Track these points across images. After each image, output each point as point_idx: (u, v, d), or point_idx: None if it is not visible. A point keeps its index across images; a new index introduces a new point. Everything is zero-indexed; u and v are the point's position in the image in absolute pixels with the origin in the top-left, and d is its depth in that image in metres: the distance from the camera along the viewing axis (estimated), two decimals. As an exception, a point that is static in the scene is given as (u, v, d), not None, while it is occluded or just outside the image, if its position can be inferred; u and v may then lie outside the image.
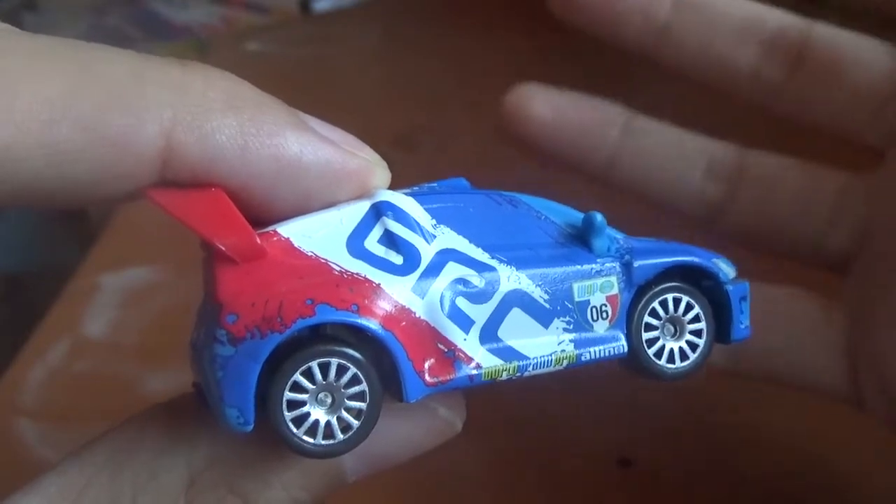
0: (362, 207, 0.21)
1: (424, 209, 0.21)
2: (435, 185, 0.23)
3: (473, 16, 0.80)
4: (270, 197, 0.20)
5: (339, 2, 0.82)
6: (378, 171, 0.21)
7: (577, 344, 0.22)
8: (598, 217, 0.22)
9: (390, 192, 0.22)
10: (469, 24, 0.78)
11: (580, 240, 0.23)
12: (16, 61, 0.17)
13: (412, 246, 0.21)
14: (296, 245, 0.20)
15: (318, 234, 0.20)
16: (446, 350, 0.21)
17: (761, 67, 0.33)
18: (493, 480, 0.37)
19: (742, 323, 0.24)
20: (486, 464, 0.38)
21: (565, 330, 0.22)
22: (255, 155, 0.19)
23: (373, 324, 0.20)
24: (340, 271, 0.20)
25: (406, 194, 0.22)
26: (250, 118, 0.19)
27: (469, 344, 0.21)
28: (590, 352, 0.22)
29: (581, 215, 0.23)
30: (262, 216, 0.20)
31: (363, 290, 0.20)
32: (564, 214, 0.23)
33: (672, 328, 0.23)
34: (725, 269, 0.24)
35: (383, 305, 0.20)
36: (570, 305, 0.22)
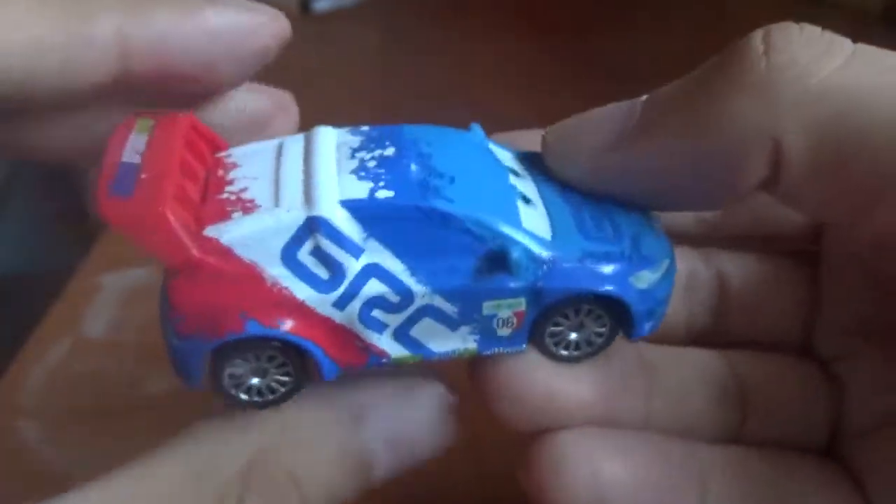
0: (298, 219, 0.23)
1: (356, 222, 0.23)
2: (375, 132, 0.25)
3: (473, 16, 0.80)
4: (209, 61, 0.25)
5: (339, 2, 0.83)
6: (281, 18, 0.26)
7: (481, 345, 0.25)
8: (514, 256, 0.23)
9: (328, 144, 0.24)
10: (469, 24, 0.78)
11: (501, 258, 0.23)
12: None
13: (339, 263, 0.23)
14: (236, 253, 0.23)
15: (256, 243, 0.23)
16: (361, 346, 0.24)
17: (692, 318, 0.31)
18: (482, 499, 0.37)
19: (644, 328, 0.25)
20: (475, 484, 0.37)
21: (471, 334, 0.24)
22: (188, 30, 0.24)
23: (293, 337, 0.23)
24: (272, 284, 0.23)
25: (347, 132, 0.25)
26: (178, 7, 0.25)
27: (382, 341, 0.24)
28: (491, 350, 0.25)
29: (517, 154, 0.26)
30: (208, 86, 0.26)
31: (288, 307, 0.23)
32: (499, 175, 0.25)
33: (576, 326, 0.25)
34: (646, 278, 0.25)
35: (305, 319, 0.23)
36: (477, 317, 0.24)
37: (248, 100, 0.28)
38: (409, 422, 0.25)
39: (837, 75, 0.22)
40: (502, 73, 0.70)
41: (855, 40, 0.23)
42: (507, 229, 0.23)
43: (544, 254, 0.24)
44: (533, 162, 0.27)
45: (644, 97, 0.25)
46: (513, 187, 0.25)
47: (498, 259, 0.23)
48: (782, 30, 0.23)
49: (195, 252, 0.22)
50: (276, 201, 0.23)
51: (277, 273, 0.23)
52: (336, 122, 0.27)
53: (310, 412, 0.24)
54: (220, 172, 0.24)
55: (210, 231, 0.22)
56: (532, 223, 0.24)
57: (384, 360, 0.24)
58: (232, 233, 0.22)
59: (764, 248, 0.32)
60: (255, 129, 0.27)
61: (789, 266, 0.31)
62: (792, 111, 0.22)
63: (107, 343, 0.47)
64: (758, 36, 0.23)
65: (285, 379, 0.24)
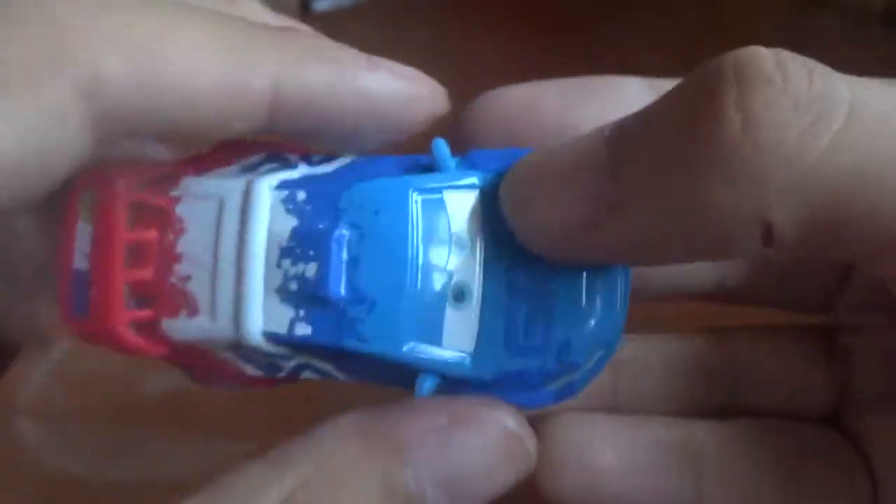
0: (230, 335, 0.24)
1: (282, 346, 0.24)
2: (308, 210, 0.23)
3: (474, 16, 0.80)
4: (356, 125, 0.24)
5: (339, 2, 0.83)
6: (442, 96, 0.26)
7: None
8: (421, 389, 0.23)
9: (259, 231, 0.23)
10: (470, 24, 0.78)
11: (410, 383, 0.24)
12: (169, 22, 0.22)
13: (273, 364, 0.25)
14: (197, 346, 0.24)
15: (204, 342, 0.24)
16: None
17: (724, 275, 0.31)
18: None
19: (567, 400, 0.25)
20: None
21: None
22: (340, 93, 0.23)
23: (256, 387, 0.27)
24: (225, 363, 0.25)
25: (282, 206, 0.23)
26: (334, 67, 0.23)
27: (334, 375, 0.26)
28: None
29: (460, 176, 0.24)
30: (344, 148, 0.25)
31: (243, 376, 0.26)
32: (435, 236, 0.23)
33: None
34: (565, 380, 0.24)
35: (260, 380, 0.26)
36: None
37: (379, 82, 0.24)
38: (463, 457, 0.23)
39: (832, 152, 0.19)
40: (502, 73, 0.70)
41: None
42: (421, 358, 0.23)
43: (459, 368, 0.24)
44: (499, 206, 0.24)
45: (608, 144, 0.22)
46: (449, 277, 0.24)
47: (408, 382, 0.24)
48: (759, 89, 0.19)
49: (159, 353, 0.24)
50: (212, 309, 0.23)
51: (227, 356, 0.25)
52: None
53: (349, 446, 0.23)
54: (171, 236, 0.24)
55: (166, 325, 0.24)
56: (454, 336, 0.24)
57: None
58: (182, 335, 0.24)
59: None
60: (384, 121, 0.25)
61: None
62: (783, 196, 0.19)
63: (107, 343, 0.47)
64: (729, 98, 0.19)
65: None
